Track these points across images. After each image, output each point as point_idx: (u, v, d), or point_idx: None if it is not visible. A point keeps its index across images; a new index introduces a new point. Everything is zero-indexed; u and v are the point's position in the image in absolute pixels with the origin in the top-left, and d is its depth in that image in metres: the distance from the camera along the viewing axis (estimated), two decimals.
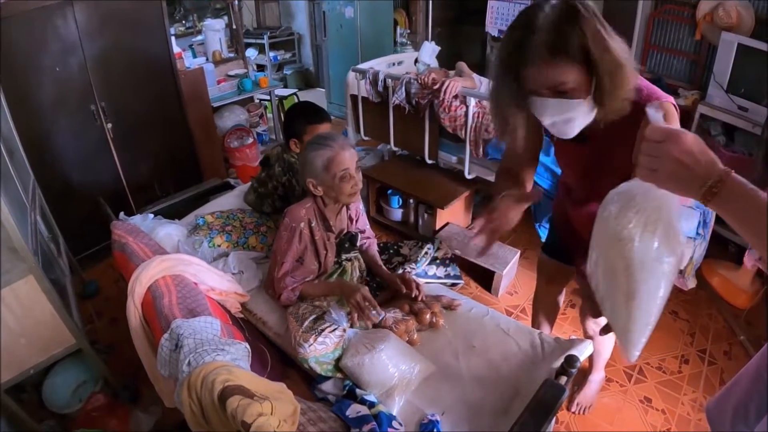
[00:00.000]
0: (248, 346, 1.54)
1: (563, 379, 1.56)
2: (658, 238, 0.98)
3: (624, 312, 1.06)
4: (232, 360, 1.38)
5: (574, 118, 1.33)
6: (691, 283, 2.65)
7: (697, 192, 0.85)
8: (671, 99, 1.38)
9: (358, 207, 2.27)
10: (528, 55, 1.24)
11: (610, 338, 2.16)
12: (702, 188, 0.84)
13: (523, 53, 1.24)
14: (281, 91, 5.51)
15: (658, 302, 1.03)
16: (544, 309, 2.33)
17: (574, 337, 2.64)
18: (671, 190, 0.90)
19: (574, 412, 2.30)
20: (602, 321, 1.86)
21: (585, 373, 2.34)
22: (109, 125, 3.27)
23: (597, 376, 2.34)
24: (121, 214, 2.50)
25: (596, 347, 2.15)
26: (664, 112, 1.23)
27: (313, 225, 2.02)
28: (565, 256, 2.04)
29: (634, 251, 0.99)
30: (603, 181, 1.53)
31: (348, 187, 1.94)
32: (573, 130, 1.37)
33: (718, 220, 2.66)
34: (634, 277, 1.01)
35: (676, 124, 1.33)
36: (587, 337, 2.14)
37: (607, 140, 1.44)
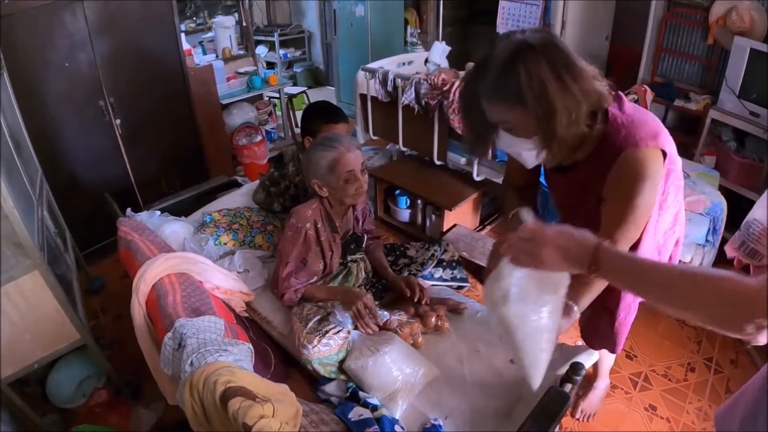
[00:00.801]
0: (251, 347, 1.54)
1: (568, 387, 1.55)
2: (528, 298, 1.16)
3: (518, 357, 1.27)
4: (235, 361, 1.37)
5: (521, 153, 1.37)
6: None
7: (581, 269, 0.98)
8: (656, 142, 1.33)
9: (364, 208, 2.26)
10: (478, 90, 1.31)
11: None
12: (583, 266, 0.97)
13: (475, 88, 1.32)
14: (290, 89, 5.50)
15: (543, 346, 1.23)
16: None
17: (580, 343, 2.62)
18: (557, 271, 1.05)
19: (578, 419, 2.28)
20: None
21: (590, 379, 2.32)
22: (118, 121, 3.28)
23: (602, 383, 2.31)
24: (128, 210, 2.50)
25: (599, 354, 2.14)
26: (636, 160, 1.29)
27: (319, 226, 2.02)
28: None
29: (508, 314, 1.17)
30: (577, 212, 1.55)
31: (352, 189, 1.94)
32: (527, 163, 1.41)
33: (728, 228, 2.63)
34: (516, 335, 1.20)
35: (651, 173, 1.31)
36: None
37: (584, 175, 1.44)
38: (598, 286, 1.44)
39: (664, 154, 1.34)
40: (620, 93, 1.41)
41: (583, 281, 1.38)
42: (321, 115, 2.38)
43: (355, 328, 1.88)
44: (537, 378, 1.31)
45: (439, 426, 1.62)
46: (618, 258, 0.95)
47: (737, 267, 1.52)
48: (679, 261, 1.73)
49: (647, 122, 1.36)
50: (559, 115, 1.22)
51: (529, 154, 1.37)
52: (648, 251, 1.52)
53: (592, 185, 1.42)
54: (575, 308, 1.41)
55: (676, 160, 1.45)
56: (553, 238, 1.01)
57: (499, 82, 1.24)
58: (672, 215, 1.57)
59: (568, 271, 1.05)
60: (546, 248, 1.00)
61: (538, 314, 1.18)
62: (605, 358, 2.19)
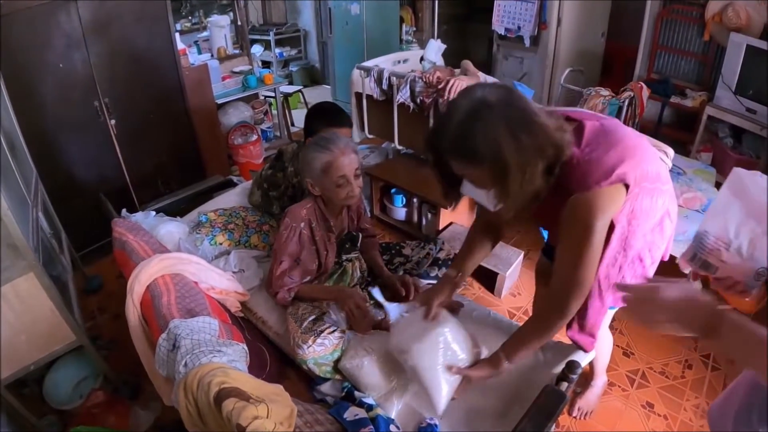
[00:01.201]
0: (246, 347, 1.54)
1: (564, 385, 1.55)
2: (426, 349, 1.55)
3: (425, 391, 1.57)
4: (229, 361, 1.37)
5: (482, 202, 1.46)
6: (696, 287, 2.62)
7: (697, 334, 0.94)
8: (610, 179, 1.33)
9: (359, 207, 2.26)
10: (439, 144, 1.35)
11: (607, 342, 2.14)
12: (701, 331, 0.93)
13: (437, 142, 1.36)
14: (286, 88, 5.50)
15: (444, 387, 1.55)
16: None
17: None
18: (676, 333, 0.99)
19: (575, 417, 2.28)
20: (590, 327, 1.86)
21: (587, 377, 2.32)
22: (113, 121, 3.27)
23: (599, 381, 2.31)
24: (123, 211, 2.50)
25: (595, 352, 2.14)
26: (583, 206, 1.34)
27: (313, 225, 2.02)
28: None
29: (411, 360, 1.55)
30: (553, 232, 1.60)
31: (344, 192, 1.93)
32: (488, 207, 1.49)
33: None
34: (420, 375, 1.54)
35: (599, 217, 1.34)
36: None
37: (546, 207, 1.45)
38: (535, 347, 1.59)
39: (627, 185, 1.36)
40: (583, 123, 1.43)
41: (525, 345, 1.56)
42: (324, 117, 2.37)
43: (350, 328, 1.88)
44: (440, 407, 1.56)
45: (435, 425, 1.62)
46: (739, 329, 0.89)
47: (694, 279, 1.53)
48: (670, 256, 1.73)
49: (607, 153, 1.36)
50: (512, 175, 1.25)
51: (489, 203, 1.45)
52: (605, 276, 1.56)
53: (553, 217, 1.46)
54: (504, 362, 1.55)
55: (654, 179, 1.45)
56: (674, 303, 0.98)
57: (457, 140, 1.28)
58: (659, 216, 1.57)
59: (681, 332, 0.98)
60: (665, 313, 0.99)
61: (440, 363, 1.53)
62: (601, 356, 2.19)
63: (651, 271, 1.65)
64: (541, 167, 1.28)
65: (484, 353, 1.65)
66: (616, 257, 1.52)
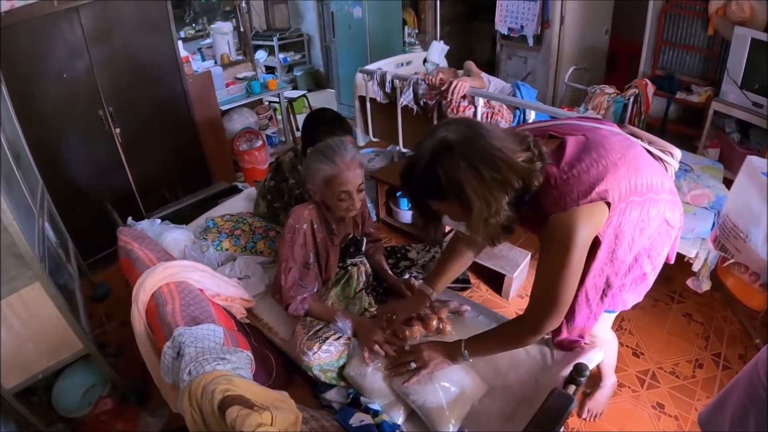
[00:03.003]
0: (251, 354, 1.54)
1: (572, 388, 1.53)
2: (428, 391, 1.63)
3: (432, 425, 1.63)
4: (233, 369, 1.37)
5: (461, 230, 1.51)
6: (706, 286, 2.59)
7: (458, 360, 1.58)
8: (590, 196, 1.34)
9: (364, 211, 2.25)
10: (410, 186, 1.43)
11: (612, 343, 2.11)
12: (458, 357, 1.52)
13: (408, 183, 1.43)
14: (290, 93, 5.51)
15: (451, 421, 1.60)
16: None
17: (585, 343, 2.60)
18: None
19: (585, 419, 2.26)
20: (595, 330, 1.85)
21: (596, 378, 2.30)
22: (118, 130, 3.28)
23: (608, 381, 2.29)
24: (129, 219, 2.51)
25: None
26: (561, 226, 1.35)
27: (315, 226, 2.00)
28: None
29: (417, 402, 1.63)
30: None
31: (344, 206, 1.92)
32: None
33: None
34: (426, 414, 1.63)
35: (577, 237, 1.33)
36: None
37: (535, 224, 1.49)
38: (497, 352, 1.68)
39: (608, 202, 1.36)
40: (564, 141, 1.43)
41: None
42: (324, 125, 2.31)
43: (355, 335, 1.86)
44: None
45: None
46: (475, 341, 1.51)
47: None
48: (677, 254, 1.72)
49: (587, 170, 1.37)
50: (477, 209, 1.31)
51: (466, 233, 1.48)
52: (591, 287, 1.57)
53: (534, 230, 1.53)
54: (462, 358, 1.63)
55: (645, 190, 1.43)
56: (428, 347, 1.64)
57: (423, 182, 1.37)
58: (656, 225, 1.54)
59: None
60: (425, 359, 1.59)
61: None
62: (607, 356, 2.16)
63: (652, 278, 1.65)
64: (508, 199, 1.32)
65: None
66: (602, 269, 1.52)
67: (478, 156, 1.28)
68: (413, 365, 1.65)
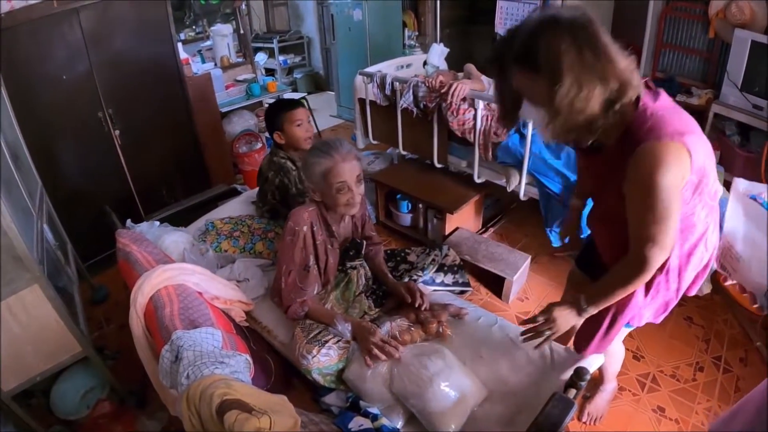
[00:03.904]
0: (249, 358, 1.53)
1: (572, 392, 1.53)
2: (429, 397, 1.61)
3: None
4: (232, 373, 1.36)
5: (534, 123, 1.43)
6: (706, 288, 2.58)
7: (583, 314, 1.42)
8: (682, 139, 1.29)
9: (363, 214, 2.24)
10: (504, 51, 1.36)
11: (619, 351, 2.10)
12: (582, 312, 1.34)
13: (502, 52, 1.36)
14: (290, 95, 5.50)
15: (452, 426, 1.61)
16: None
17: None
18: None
19: (585, 423, 2.25)
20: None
21: (596, 382, 2.29)
22: (117, 132, 3.28)
23: (609, 386, 2.28)
24: (128, 221, 2.50)
25: (604, 364, 2.10)
26: (653, 152, 1.28)
27: (315, 229, 1.99)
28: (591, 270, 1.91)
29: (418, 406, 1.62)
30: (599, 203, 1.56)
31: (344, 199, 1.91)
32: (543, 136, 1.43)
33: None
34: (427, 419, 1.62)
35: (669, 166, 1.28)
36: None
37: (607, 162, 1.44)
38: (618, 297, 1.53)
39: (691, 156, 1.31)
40: (661, 90, 1.40)
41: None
42: (278, 109, 2.50)
43: (354, 338, 1.85)
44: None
45: None
46: (594, 293, 1.27)
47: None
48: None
49: (679, 119, 1.34)
50: (565, 88, 1.23)
51: (539, 126, 1.40)
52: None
53: (611, 176, 1.42)
54: (585, 310, 1.55)
55: (708, 175, 1.40)
56: (559, 312, 1.54)
57: (521, 48, 1.29)
58: (698, 235, 1.53)
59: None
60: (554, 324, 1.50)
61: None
62: (612, 363, 2.15)
63: (675, 299, 1.67)
64: (600, 94, 1.26)
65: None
66: None
67: (584, 38, 1.24)
68: (547, 333, 1.60)
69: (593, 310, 1.55)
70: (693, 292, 1.71)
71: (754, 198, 1.32)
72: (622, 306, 1.62)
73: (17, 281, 1.91)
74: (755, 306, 1.25)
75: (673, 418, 2.27)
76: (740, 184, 1.14)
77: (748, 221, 1.09)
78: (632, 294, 1.56)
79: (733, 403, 2.29)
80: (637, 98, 1.35)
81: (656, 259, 1.39)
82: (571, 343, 2.30)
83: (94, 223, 3.11)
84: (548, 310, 1.61)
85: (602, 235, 1.72)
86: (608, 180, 1.48)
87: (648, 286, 1.57)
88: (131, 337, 1.79)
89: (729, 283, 1.48)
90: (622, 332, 1.80)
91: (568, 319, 1.57)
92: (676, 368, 2.50)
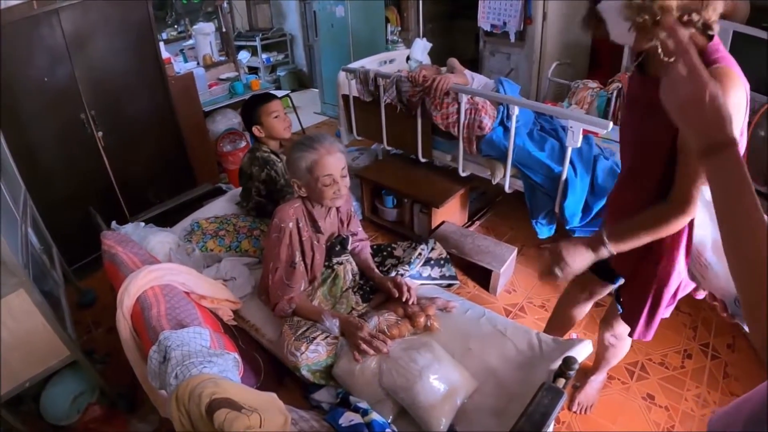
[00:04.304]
0: (238, 357, 1.52)
1: (561, 382, 1.54)
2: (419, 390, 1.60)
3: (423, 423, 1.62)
4: (220, 372, 1.35)
5: (613, 23, 1.32)
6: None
7: (698, 141, 0.85)
8: (746, 83, 1.26)
9: (349, 209, 2.24)
10: None
11: (624, 349, 2.09)
12: (704, 140, 0.84)
13: None
14: (274, 93, 5.47)
15: (442, 420, 1.60)
16: (560, 316, 2.28)
17: (575, 336, 2.61)
18: (678, 121, 0.90)
19: (575, 412, 2.27)
20: (622, 332, 1.84)
21: (587, 371, 2.31)
22: (100, 133, 3.24)
23: (599, 377, 2.30)
24: (113, 223, 2.48)
25: (607, 356, 2.12)
26: (725, 74, 1.23)
27: (300, 225, 1.99)
28: (603, 268, 1.85)
29: (407, 400, 1.62)
30: (639, 138, 1.52)
31: (330, 192, 1.91)
32: (619, 37, 1.34)
33: None
34: (416, 412, 1.62)
35: (728, 93, 1.22)
36: (602, 345, 2.11)
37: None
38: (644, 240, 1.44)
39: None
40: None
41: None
42: (254, 103, 2.54)
43: (342, 334, 1.85)
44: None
45: None
46: (740, 161, 0.82)
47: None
48: None
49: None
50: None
51: (620, 26, 1.30)
52: None
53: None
54: (605, 247, 1.44)
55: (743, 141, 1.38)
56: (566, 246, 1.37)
57: None
58: None
59: (683, 125, 0.89)
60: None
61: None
62: (613, 357, 2.14)
63: (669, 309, 1.71)
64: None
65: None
66: None
67: None
68: (558, 272, 1.47)
69: (613, 248, 1.44)
70: (701, 295, 1.70)
71: None
72: (665, 275, 1.58)
73: (3, 286, 1.89)
74: (725, 315, 1.23)
75: (663, 406, 2.29)
76: (706, 191, 1.11)
77: (715, 228, 1.08)
78: (672, 260, 1.54)
79: (721, 390, 2.32)
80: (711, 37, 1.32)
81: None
82: (566, 336, 2.33)
83: (79, 226, 3.09)
84: (555, 245, 1.50)
85: (626, 197, 1.69)
86: (659, 112, 1.42)
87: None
88: (119, 341, 1.77)
89: (700, 296, 1.48)
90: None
91: (578, 255, 1.46)
92: (665, 356, 2.53)
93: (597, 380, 2.30)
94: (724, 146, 0.81)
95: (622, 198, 1.72)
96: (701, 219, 1.20)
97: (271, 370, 2.02)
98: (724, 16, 1.43)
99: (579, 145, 2.47)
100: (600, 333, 2.08)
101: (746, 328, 0.95)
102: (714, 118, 0.83)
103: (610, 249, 1.44)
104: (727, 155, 0.81)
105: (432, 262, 2.31)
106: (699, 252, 1.23)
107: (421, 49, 3.79)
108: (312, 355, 1.74)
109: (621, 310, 1.83)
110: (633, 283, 1.73)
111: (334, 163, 1.89)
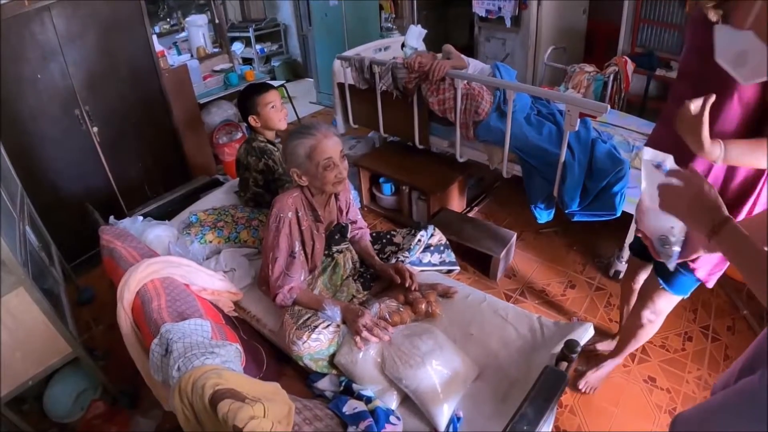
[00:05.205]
0: (240, 347, 1.52)
1: (564, 365, 1.54)
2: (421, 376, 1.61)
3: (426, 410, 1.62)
4: (223, 362, 1.35)
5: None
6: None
7: (705, 228, 1.04)
8: None
9: (348, 197, 2.23)
10: None
11: (657, 327, 2.05)
12: (709, 225, 1.03)
13: None
14: (270, 83, 5.44)
15: (445, 407, 1.59)
16: (625, 290, 2.32)
17: (575, 320, 2.61)
18: (684, 220, 1.14)
19: (581, 390, 2.27)
20: (662, 308, 1.88)
21: (606, 354, 2.35)
22: (95, 129, 3.23)
23: (616, 360, 2.29)
24: (111, 218, 2.47)
25: (638, 335, 2.07)
26: None
27: (300, 214, 1.98)
28: (643, 250, 1.97)
29: (410, 387, 1.62)
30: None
31: (332, 175, 1.90)
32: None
33: None
34: (419, 398, 1.62)
35: None
36: (636, 324, 2.04)
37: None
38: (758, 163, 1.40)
39: None
40: None
41: None
42: (251, 93, 2.53)
43: (344, 322, 1.85)
44: (440, 426, 1.58)
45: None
46: (740, 231, 1.00)
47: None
48: None
49: None
50: None
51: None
52: None
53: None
54: (718, 149, 1.36)
55: None
56: (697, 195, 1.07)
57: None
58: None
59: (688, 222, 1.14)
60: (691, 196, 1.08)
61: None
62: (641, 339, 2.11)
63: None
64: None
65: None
66: None
67: None
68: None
69: (724, 161, 1.39)
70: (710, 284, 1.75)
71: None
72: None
73: (2, 285, 1.88)
74: (653, 251, 1.34)
75: (665, 388, 2.30)
76: (647, 152, 1.18)
77: (648, 184, 1.15)
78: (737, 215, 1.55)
79: (722, 372, 2.33)
80: None
81: None
82: (563, 318, 2.33)
83: (76, 223, 3.07)
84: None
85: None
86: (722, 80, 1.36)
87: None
88: (119, 338, 1.77)
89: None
90: (671, 300, 1.86)
91: (692, 124, 1.35)
92: (665, 339, 2.53)
93: (612, 363, 2.30)
94: (725, 221, 1.01)
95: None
96: (644, 172, 1.26)
97: (272, 360, 2.02)
98: None
99: (576, 128, 2.46)
100: (635, 312, 2.03)
101: (670, 266, 1.28)
102: (712, 204, 1.04)
103: (719, 155, 1.37)
104: (731, 226, 1.00)
105: (432, 248, 2.31)
106: (641, 200, 1.32)
107: (416, 35, 3.77)
108: (314, 344, 1.74)
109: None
110: None
111: (333, 146, 1.89)
